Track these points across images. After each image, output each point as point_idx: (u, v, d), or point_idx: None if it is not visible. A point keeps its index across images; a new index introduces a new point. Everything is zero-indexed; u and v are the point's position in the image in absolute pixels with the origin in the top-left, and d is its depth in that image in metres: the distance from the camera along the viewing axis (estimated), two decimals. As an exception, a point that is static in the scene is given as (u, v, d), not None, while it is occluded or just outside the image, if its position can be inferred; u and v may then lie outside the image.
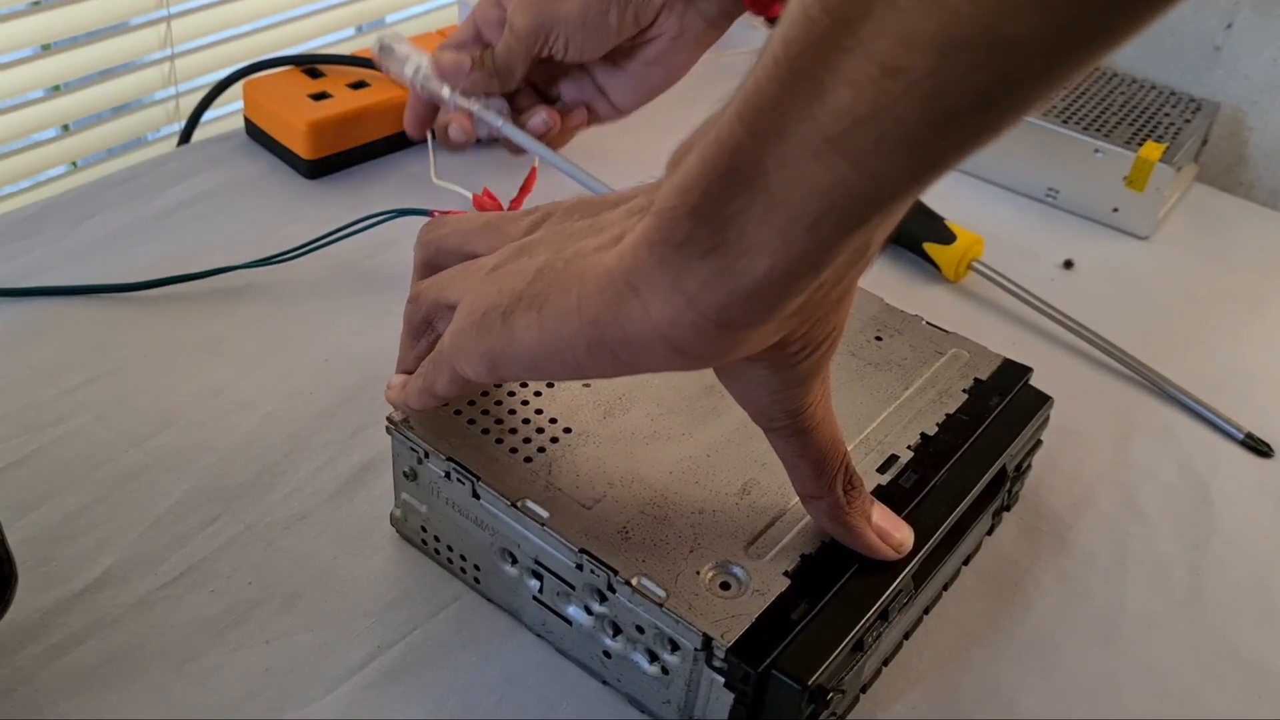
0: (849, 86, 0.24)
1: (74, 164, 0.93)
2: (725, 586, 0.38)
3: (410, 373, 0.41)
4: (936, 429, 0.45)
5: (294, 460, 0.50)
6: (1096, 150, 0.74)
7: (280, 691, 0.41)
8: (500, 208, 0.64)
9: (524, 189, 0.66)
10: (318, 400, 0.53)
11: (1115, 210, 0.74)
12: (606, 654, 0.40)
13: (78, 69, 0.85)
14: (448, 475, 0.42)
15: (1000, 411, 0.47)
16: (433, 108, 0.61)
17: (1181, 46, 0.88)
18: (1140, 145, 0.73)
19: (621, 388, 0.45)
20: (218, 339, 0.56)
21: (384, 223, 0.61)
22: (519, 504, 0.40)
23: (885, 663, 0.43)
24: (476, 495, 0.41)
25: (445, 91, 0.58)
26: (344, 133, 0.69)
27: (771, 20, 0.58)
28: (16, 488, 0.47)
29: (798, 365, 0.33)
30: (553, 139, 0.60)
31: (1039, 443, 0.50)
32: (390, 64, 0.60)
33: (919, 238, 0.67)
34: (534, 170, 0.66)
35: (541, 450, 0.42)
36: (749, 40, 0.88)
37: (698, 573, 0.38)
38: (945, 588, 0.47)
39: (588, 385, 0.45)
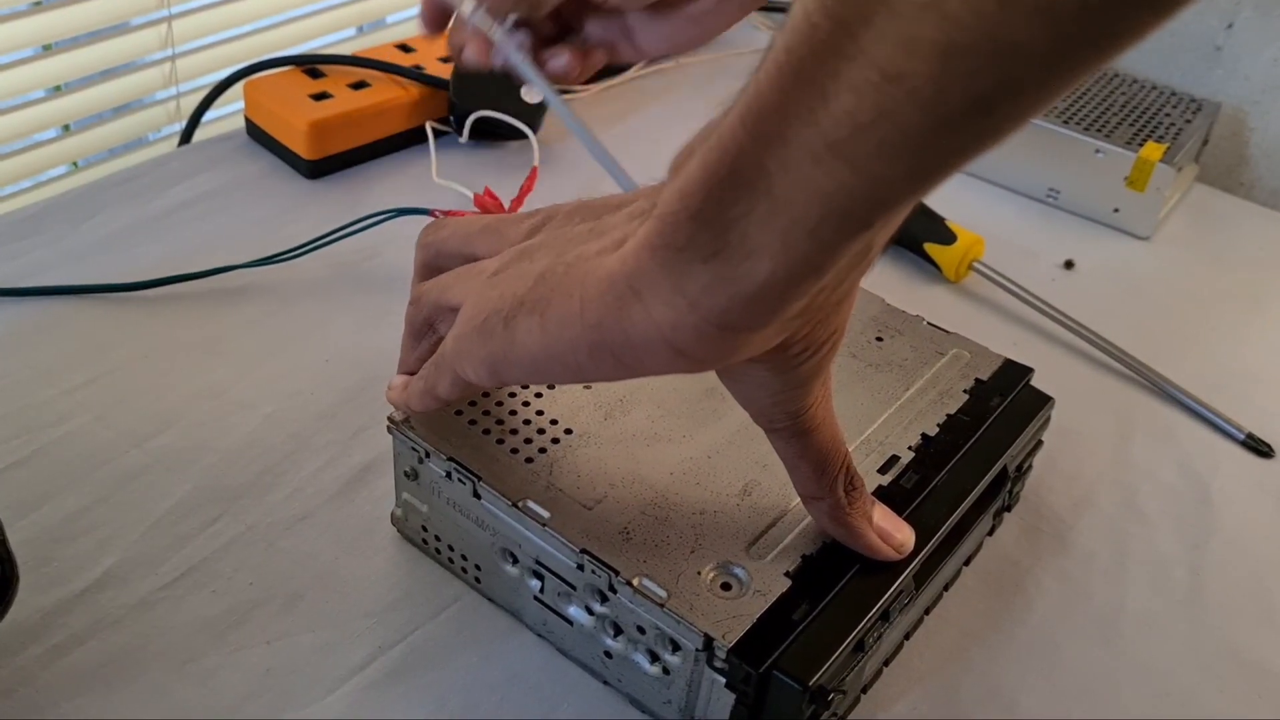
0: (851, 92, 0.24)
1: (75, 164, 0.93)
2: (726, 587, 0.38)
3: (411, 374, 0.41)
4: (937, 429, 0.45)
5: (295, 460, 0.50)
6: (1097, 150, 0.74)
7: (281, 692, 0.41)
8: (501, 207, 0.64)
9: (524, 189, 0.66)
10: (318, 400, 0.53)
11: (1116, 210, 0.74)
12: (607, 654, 0.40)
13: (78, 69, 0.85)
14: (449, 475, 0.42)
15: (1001, 412, 0.47)
16: (448, 13, 0.50)
17: (1182, 47, 0.88)
18: (1141, 145, 0.73)
19: (623, 389, 0.45)
20: (218, 339, 0.56)
21: (384, 222, 0.61)
22: (520, 504, 0.40)
23: (886, 663, 0.43)
24: (478, 495, 0.41)
25: (466, 5, 0.48)
26: (344, 133, 0.69)
27: None
28: (17, 488, 0.47)
29: (799, 367, 0.33)
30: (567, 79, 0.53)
31: (1040, 443, 0.50)
32: None
33: (920, 238, 0.67)
34: (534, 170, 0.66)
35: (543, 451, 0.42)
36: (750, 41, 0.89)
37: (699, 573, 0.38)
38: (946, 588, 0.47)
39: (589, 387, 0.45)
